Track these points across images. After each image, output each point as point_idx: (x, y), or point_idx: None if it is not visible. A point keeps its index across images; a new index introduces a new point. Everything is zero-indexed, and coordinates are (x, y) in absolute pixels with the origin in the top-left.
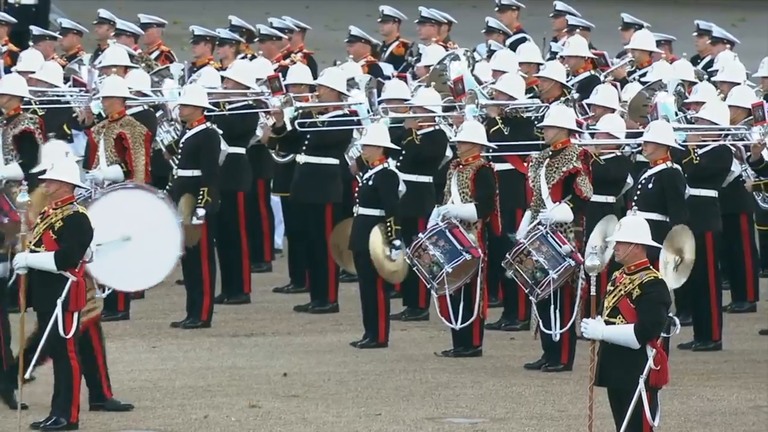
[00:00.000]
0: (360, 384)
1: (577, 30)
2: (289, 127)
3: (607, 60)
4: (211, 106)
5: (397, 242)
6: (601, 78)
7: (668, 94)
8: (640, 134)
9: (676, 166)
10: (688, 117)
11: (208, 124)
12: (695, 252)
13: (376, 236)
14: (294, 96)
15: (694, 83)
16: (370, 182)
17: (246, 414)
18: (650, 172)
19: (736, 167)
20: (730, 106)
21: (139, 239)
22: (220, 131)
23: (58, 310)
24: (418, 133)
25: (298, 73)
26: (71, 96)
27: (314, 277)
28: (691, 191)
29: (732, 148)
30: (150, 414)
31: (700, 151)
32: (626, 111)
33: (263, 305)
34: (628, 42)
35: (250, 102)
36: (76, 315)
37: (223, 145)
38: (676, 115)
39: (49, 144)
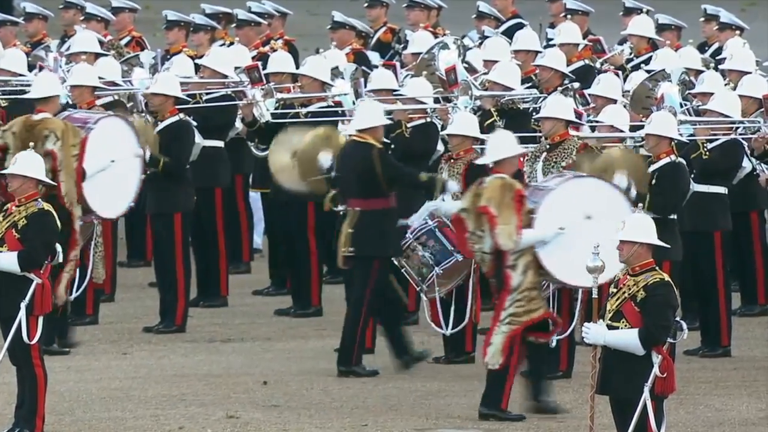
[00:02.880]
0: (345, 393)
1: (569, 16)
2: (265, 119)
3: (604, 46)
4: (183, 96)
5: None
6: (598, 66)
7: (672, 84)
8: (641, 127)
9: (680, 160)
10: (694, 108)
11: (181, 115)
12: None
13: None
14: (275, 86)
15: (701, 72)
16: None
17: (223, 425)
18: (653, 167)
19: (747, 162)
20: (740, 97)
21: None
22: (195, 123)
23: (22, 315)
24: (408, 125)
25: (280, 61)
26: None
27: (296, 278)
28: (699, 188)
29: (744, 142)
30: (121, 425)
31: (710, 146)
32: (628, 102)
33: (241, 309)
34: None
35: (229, 92)
36: (41, 320)
37: (198, 138)
38: (682, 106)
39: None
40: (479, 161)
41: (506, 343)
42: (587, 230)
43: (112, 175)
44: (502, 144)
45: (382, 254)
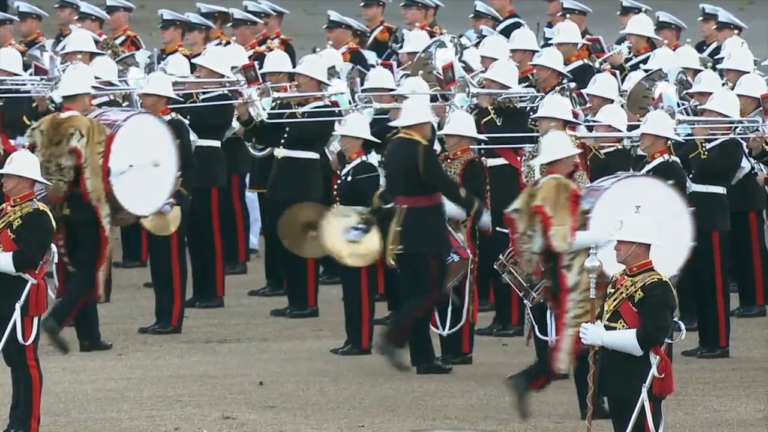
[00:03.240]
0: (341, 394)
1: (568, 15)
2: (262, 118)
3: (603, 46)
4: (176, 96)
5: (360, 225)
6: (597, 65)
7: (669, 84)
8: (638, 126)
9: (674, 158)
10: (692, 107)
11: (173, 114)
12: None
13: (329, 225)
14: (271, 86)
15: (699, 71)
16: (348, 177)
17: (219, 426)
18: (648, 167)
19: (746, 162)
20: (738, 96)
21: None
22: (187, 122)
23: (17, 315)
24: None
25: (277, 60)
26: (32, 85)
27: (292, 279)
28: (698, 188)
29: (742, 141)
30: (116, 426)
31: (708, 146)
32: (625, 102)
33: (238, 309)
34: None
35: (226, 92)
36: (36, 320)
37: (192, 137)
38: (679, 105)
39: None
40: (535, 162)
41: (574, 345)
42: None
43: (146, 171)
44: (557, 144)
45: (431, 251)
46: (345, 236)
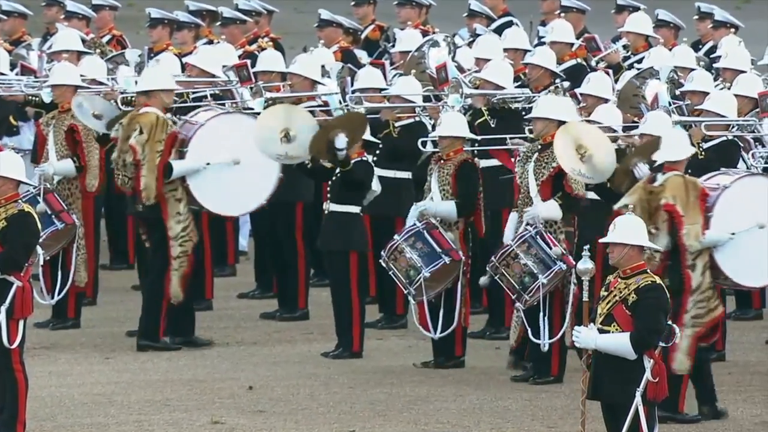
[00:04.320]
0: (332, 398)
1: (563, 14)
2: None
3: (599, 44)
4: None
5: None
6: (593, 64)
7: (660, 82)
8: (634, 127)
9: None
10: (684, 107)
11: (168, 114)
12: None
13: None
14: (264, 85)
15: (693, 70)
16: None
17: (208, 431)
18: None
19: (743, 163)
20: (735, 96)
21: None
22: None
23: (2, 318)
24: (396, 125)
25: (269, 60)
26: (18, 84)
27: (282, 281)
28: None
29: (740, 142)
30: (104, 431)
31: (705, 145)
32: (616, 101)
33: (227, 312)
34: (621, 26)
35: (217, 92)
36: (21, 323)
37: None
38: (669, 105)
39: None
40: (657, 158)
41: (692, 346)
42: (759, 232)
43: (237, 172)
44: (680, 143)
45: None
46: None
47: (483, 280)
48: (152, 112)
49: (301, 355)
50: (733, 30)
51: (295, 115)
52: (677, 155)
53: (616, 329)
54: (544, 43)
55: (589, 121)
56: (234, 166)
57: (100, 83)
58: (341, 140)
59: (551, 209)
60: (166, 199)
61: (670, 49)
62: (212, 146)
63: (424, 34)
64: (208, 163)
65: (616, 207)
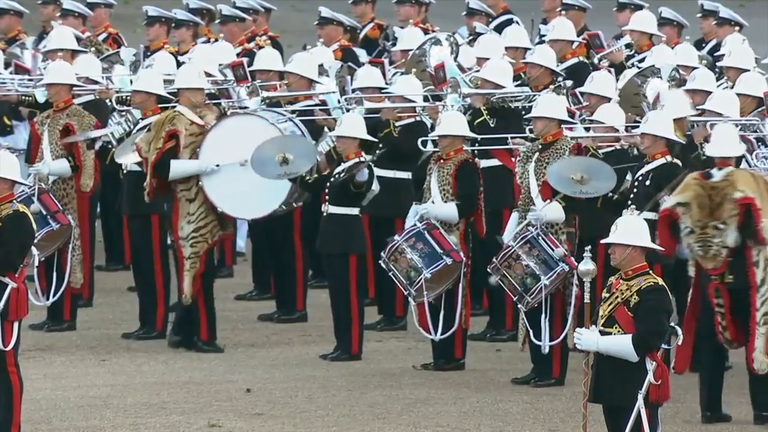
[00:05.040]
0: (331, 401)
1: (564, 12)
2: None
3: (602, 41)
4: (165, 94)
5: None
6: (596, 61)
7: (662, 81)
8: (636, 126)
9: (675, 161)
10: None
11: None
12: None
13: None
14: (260, 84)
15: (695, 69)
16: (342, 177)
17: None
18: (647, 167)
19: (745, 163)
20: (738, 95)
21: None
22: None
23: None
24: (397, 124)
25: (267, 58)
26: (12, 83)
27: (280, 283)
28: None
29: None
30: None
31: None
32: (618, 100)
33: (224, 314)
34: (623, 24)
35: (215, 91)
36: (16, 325)
37: None
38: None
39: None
40: (709, 152)
41: None
42: None
43: (240, 173)
44: (733, 138)
45: None
46: None
47: (493, 279)
48: (174, 109)
49: (300, 358)
50: (737, 28)
51: (290, 141)
52: (733, 151)
53: (618, 331)
54: (544, 42)
55: (591, 121)
56: (248, 168)
57: (95, 82)
58: (363, 174)
59: (555, 211)
60: (178, 198)
61: (673, 47)
62: (224, 148)
63: (425, 32)
64: (217, 165)
65: (666, 206)
